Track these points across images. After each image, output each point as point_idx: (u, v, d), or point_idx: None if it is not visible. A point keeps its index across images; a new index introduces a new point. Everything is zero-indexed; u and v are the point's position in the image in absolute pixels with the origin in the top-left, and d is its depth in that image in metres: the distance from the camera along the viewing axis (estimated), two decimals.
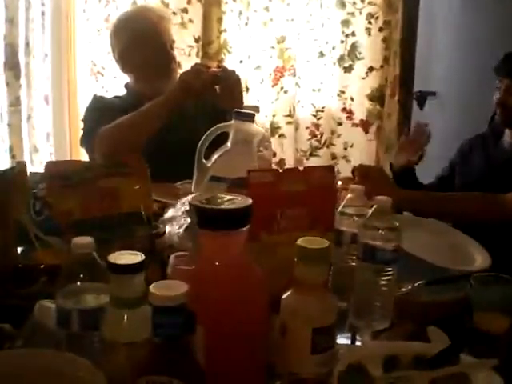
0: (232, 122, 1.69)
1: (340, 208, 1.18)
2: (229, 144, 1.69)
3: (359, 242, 1.07)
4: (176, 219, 1.41)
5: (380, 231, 1.06)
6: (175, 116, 2.14)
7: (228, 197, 0.77)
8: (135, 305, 0.76)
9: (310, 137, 3.12)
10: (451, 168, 2.31)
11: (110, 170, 1.21)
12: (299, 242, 0.81)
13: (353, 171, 1.95)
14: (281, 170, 1.07)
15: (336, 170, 1.49)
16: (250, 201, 0.75)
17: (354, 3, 2.95)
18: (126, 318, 0.76)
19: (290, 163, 3.11)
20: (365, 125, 3.07)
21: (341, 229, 1.16)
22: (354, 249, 1.13)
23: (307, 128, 3.11)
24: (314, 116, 3.10)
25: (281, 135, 3.11)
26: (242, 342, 0.76)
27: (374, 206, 1.08)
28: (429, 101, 2.96)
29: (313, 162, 3.13)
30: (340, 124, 3.09)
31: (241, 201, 0.75)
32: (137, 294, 0.76)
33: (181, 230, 1.34)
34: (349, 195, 1.20)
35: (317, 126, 3.11)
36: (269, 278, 0.81)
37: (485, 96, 2.33)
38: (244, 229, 0.74)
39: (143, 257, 0.76)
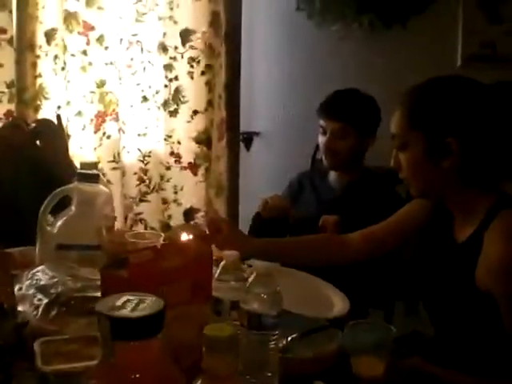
0: (74, 184, 1.60)
1: (217, 275, 1.15)
2: (73, 207, 1.60)
3: (243, 309, 1.04)
4: (28, 298, 1.28)
5: (263, 296, 1.04)
6: None
7: (132, 298, 0.69)
8: None
9: (138, 182, 3.04)
10: None
11: None
12: (205, 330, 0.77)
13: (185, 213, 1.92)
14: (158, 247, 1.03)
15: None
16: (162, 303, 0.69)
17: (176, 47, 2.94)
18: None
19: (118, 210, 2.99)
20: (193, 168, 3.05)
21: (219, 296, 1.13)
22: (234, 315, 1.10)
23: (135, 173, 3.03)
24: (141, 161, 3.03)
25: (107, 181, 2.98)
26: None
27: (223, 262, 1.08)
28: (255, 141, 3.05)
29: (143, 207, 3.05)
30: (169, 168, 3.05)
31: (151, 303, 0.68)
32: None
33: (38, 312, 1.21)
34: (222, 262, 1.18)
35: (145, 171, 3.04)
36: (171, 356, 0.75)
37: (306, 133, 2.44)
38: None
39: None
